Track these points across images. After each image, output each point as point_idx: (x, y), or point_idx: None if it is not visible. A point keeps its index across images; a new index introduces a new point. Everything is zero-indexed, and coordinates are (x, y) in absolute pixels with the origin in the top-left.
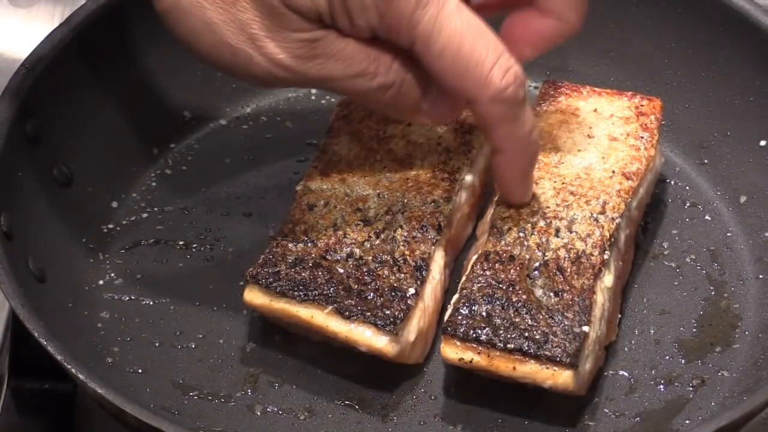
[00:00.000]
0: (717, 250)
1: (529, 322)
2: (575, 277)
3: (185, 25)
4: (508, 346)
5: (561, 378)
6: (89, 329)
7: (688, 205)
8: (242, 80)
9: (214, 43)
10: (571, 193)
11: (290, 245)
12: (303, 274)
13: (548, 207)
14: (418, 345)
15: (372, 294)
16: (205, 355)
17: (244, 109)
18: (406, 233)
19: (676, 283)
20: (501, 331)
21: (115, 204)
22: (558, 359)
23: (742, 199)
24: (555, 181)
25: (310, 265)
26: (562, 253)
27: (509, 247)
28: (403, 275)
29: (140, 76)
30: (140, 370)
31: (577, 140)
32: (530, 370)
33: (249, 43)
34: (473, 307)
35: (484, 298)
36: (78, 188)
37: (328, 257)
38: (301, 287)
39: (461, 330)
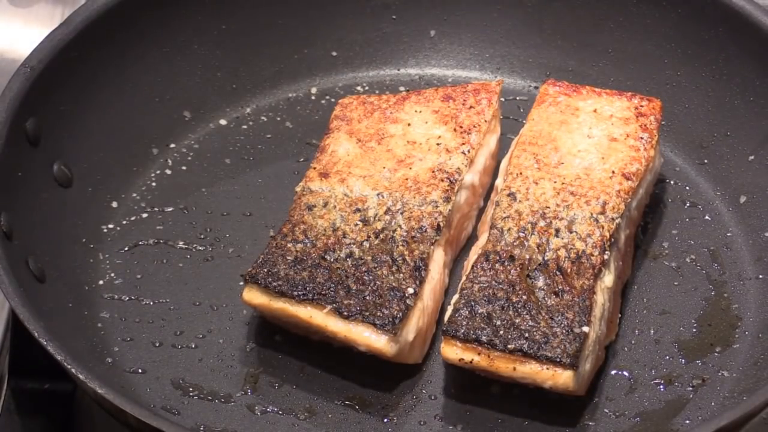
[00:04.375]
0: (717, 250)
1: (530, 323)
2: (575, 277)
3: None
4: (509, 346)
5: (561, 378)
6: (89, 329)
7: (688, 205)
8: None
9: None
10: (571, 193)
11: (289, 245)
12: (302, 274)
13: (548, 207)
14: (418, 345)
15: (371, 294)
16: (205, 355)
17: (244, 109)
18: (405, 233)
19: (676, 283)
20: (501, 332)
21: (115, 204)
22: (558, 360)
23: (742, 199)
24: (555, 182)
25: (310, 264)
26: (562, 253)
27: (509, 247)
28: (402, 275)
29: (140, 76)
30: (140, 370)
31: (576, 140)
32: (530, 371)
33: None
34: (473, 308)
35: (485, 298)
36: (78, 188)
37: (327, 257)
38: (300, 287)
39: (462, 331)
